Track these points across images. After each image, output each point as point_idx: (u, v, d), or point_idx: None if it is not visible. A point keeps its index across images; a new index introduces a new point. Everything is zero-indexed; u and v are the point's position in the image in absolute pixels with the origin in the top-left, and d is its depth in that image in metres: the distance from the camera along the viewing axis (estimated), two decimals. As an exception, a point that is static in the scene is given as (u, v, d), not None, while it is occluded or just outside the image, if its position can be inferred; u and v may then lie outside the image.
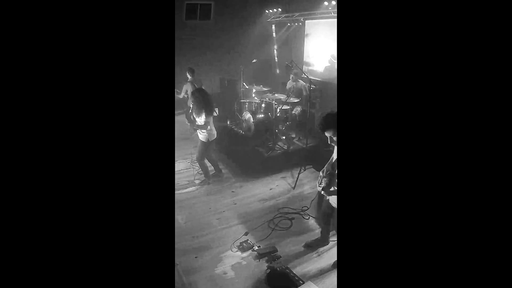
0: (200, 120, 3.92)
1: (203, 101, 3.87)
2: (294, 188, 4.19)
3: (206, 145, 4.07)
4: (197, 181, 4.41)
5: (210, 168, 4.39)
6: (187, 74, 5.54)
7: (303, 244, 3.05)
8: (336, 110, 2.50)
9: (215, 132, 4.09)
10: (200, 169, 4.36)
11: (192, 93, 4.05)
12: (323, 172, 2.60)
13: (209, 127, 3.94)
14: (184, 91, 5.47)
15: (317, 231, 3.14)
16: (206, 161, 4.29)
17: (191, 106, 4.11)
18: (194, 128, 4.02)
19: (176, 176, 4.43)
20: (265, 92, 5.60)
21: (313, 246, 3.01)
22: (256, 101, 5.56)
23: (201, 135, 4.05)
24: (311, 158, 4.59)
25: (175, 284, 2.54)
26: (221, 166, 4.60)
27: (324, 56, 6.57)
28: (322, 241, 3.02)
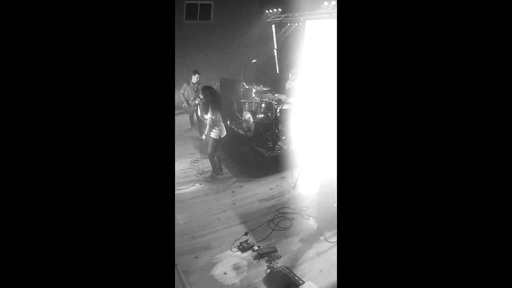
0: (210, 116, 4.00)
1: (214, 98, 4.00)
2: (294, 188, 4.19)
3: (217, 142, 4.17)
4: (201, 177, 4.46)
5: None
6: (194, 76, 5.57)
7: (299, 238, 3.07)
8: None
9: (224, 129, 4.20)
10: (202, 167, 4.39)
11: (202, 90, 4.14)
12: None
13: (221, 124, 4.05)
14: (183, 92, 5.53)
15: (317, 231, 3.14)
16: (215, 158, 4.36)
17: (197, 102, 4.11)
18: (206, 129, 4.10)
19: (176, 176, 4.43)
20: (265, 92, 5.60)
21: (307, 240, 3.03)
22: (256, 101, 5.55)
23: (213, 133, 4.14)
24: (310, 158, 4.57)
25: (175, 284, 2.53)
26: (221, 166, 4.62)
27: (324, 56, 6.55)
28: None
